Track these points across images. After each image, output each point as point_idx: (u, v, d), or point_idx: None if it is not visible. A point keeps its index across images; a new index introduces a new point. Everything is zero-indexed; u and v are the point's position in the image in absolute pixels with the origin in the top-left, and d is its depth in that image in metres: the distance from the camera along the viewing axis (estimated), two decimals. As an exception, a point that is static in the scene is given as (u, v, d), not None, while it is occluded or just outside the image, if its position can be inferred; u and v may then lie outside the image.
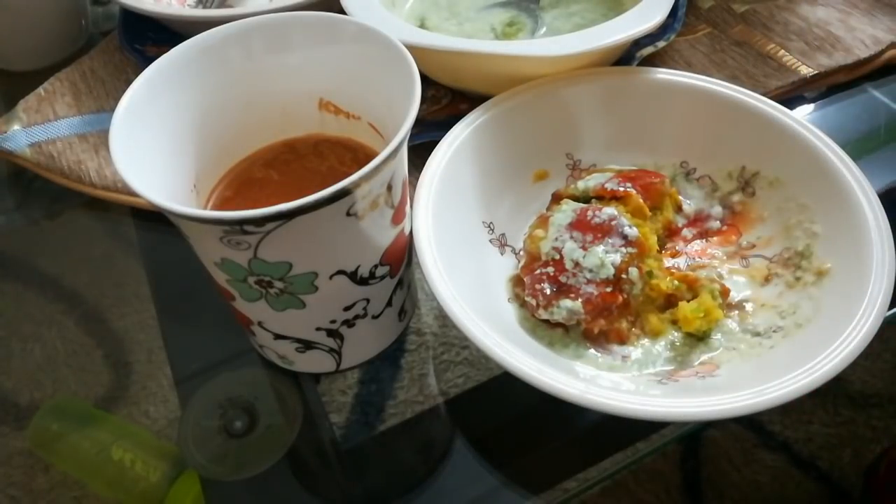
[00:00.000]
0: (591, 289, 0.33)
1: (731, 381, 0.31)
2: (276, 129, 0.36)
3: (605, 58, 0.42)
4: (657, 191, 0.37)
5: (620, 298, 0.33)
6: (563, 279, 0.33)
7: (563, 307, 0.32)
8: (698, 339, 0.34)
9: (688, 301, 0.34)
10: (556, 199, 0.38)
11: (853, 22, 0.51)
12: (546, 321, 0.34)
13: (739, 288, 0.36)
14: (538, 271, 0.34)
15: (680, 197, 0.39)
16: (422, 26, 0.49)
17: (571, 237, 0.34)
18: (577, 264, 0.33)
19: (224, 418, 0.35)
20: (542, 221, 0.36)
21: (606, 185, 0.36)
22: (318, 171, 0.35)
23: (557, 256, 0.34)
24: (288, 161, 0.35)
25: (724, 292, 0.35)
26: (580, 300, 0.32)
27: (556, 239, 0.34)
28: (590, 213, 0.35)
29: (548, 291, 0.33)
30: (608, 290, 0.33)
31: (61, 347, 0.39)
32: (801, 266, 0.35)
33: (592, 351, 0.33)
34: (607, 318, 0.33)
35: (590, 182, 0.37)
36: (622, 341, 0.34)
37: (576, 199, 0.37)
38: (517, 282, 0.36)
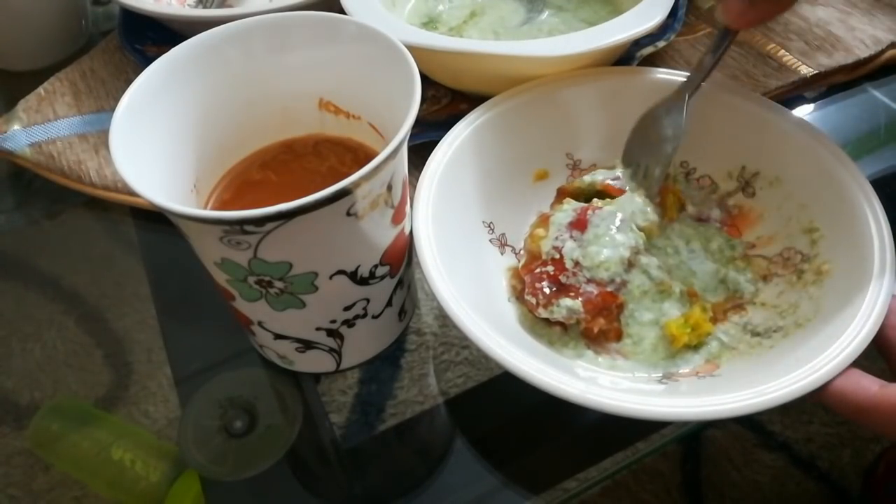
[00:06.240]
0: (591, 288, 0.33)
1: (731, 381, 0.31)
2: (276, 129, 0.36)
3: (605, 58, 0.42)
4: (661, 189, 0.37)
5: (620, 298, 0.33)
6: (562, 278, 0.33)
7: (562, 306, 0.32)
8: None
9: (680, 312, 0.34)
10: (562, 194, 0.38)
11: (853, 22, 0.51)
12: (546, 320, 0.34)
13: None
14: (538, 270, 0.34)
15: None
16: (428, 22, 0.49)
17: (572, 236, 0.34)
18: (577, 264, 0.33)
19: (224, 418, 0.35)
20: (543, 220, 0.36)
21: (610, 182, 0.37)
22: (317, 172, 0.35)
23: (557, 256, 0.34)
24: (288, 161, 0.35)
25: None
26: (580, 299, 0.32)
27: (557, 238, 0.34)
28: (590, 212, 0.35)
29: (547, 290, 0.33)
30: (608, 289, 0.33)
31: (61, 347, 0.39)
32: (802, 266, 0.35)
33: (592, 350, 0.33)
34: (607, 317, 0.33)
35: (597, 176, 0.37)
36: (622, 341, 0.34)
37: (582, 192, 0.37)
38: (514, 274, 0.36)
